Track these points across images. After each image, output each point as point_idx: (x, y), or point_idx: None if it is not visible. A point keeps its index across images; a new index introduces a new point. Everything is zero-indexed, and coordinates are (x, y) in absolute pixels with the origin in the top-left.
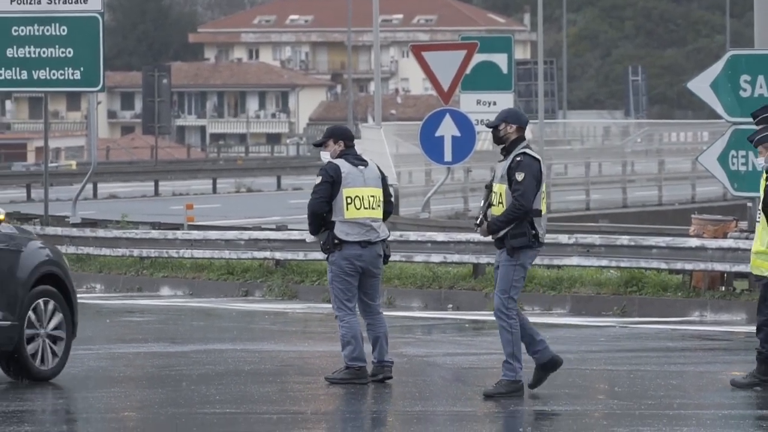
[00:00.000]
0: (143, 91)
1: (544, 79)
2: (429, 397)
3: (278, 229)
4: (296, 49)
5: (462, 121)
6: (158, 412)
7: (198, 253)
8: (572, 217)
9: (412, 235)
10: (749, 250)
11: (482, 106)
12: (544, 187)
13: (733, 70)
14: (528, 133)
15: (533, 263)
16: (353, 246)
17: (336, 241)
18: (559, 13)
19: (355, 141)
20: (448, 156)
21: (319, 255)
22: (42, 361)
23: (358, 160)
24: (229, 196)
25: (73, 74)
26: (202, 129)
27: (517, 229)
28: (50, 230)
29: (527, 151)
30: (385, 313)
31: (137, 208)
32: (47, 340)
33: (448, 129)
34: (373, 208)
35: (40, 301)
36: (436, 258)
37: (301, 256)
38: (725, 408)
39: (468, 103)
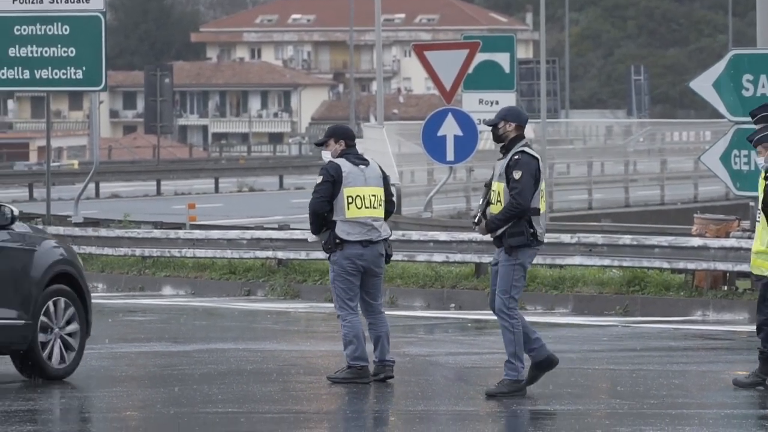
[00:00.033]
0: (145, 90)
1: (547, 79)
2: (431, 396)
3: (280, 228)
4: (298, 49)
5: (464, 120)
6: (160, 412)
7: (200, 253)
8: (575, 217)
9: (415, 235)
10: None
11: (484, 106)
12: (543, 186)
13: (736, 70)
14: (530, 133)
15: (534, 262)
16: (355, 245)
17: (337, 241)
18: (562, 12)
19: (358, 140)
20: (450, 155)
21: (321, 254)
22: (56, 360)
23: (359, 160)
24: (231, 196)
25: (75, 74)
26: (205, 128)
27: (515, 228)
28: (52, 230)
29: (526, 149)
30: (387, 312)
31: (139, 207)
32: (61, 339)
33: (450, 128)
34: (374, 208)
35: (54, 300)
36: (438, 257)
37: (303, 255)
38: (728, 407)
39: (470, 102)
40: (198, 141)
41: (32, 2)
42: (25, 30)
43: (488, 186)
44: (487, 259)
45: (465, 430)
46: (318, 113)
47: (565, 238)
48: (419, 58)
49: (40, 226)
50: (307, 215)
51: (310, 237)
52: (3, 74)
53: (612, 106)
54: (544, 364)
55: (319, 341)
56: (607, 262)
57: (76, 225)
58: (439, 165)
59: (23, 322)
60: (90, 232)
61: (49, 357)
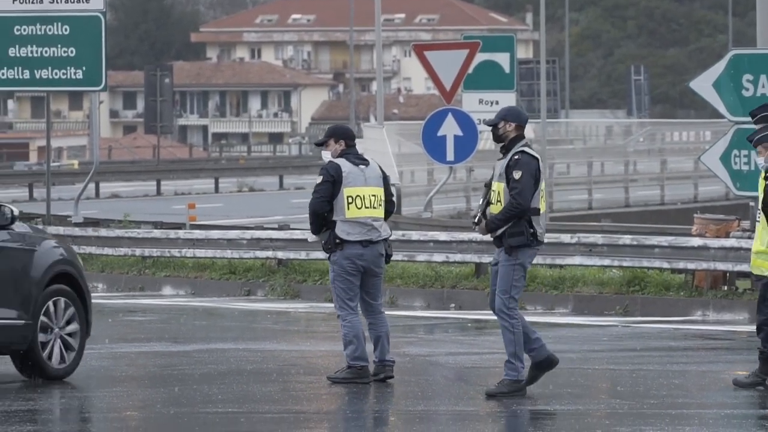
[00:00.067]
0: (145, 90)
1: (547, 79)
2: (431, 396)
3: (280, 228)
4: (298, 49)
5: (464, 120)
6: (160, 412)
7: (200, 253)
8: (575, 217)
9: (415, 235)
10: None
11: (484, 106)
12: (543, 186)
13: (736, 70)
14: (530, 133)
15: (535, 262)
16: (354, 245)
17: (337, 241)
18: (562, 12)
19: (358, 140)
20: (450, 155)
21: (322, 254)
22: (56, 360)
23: (359, 160)
24: (231, 196)
25: (75, 74)
26: (204, 128)
27: (514, 228)
28: (53, 230)
29: (526, 149)
30: (387, 312)
31: (139, 207)
32: (61, 339)
33: (450, 128)
34: (374, 208)
35: (54, 300)
36: (438, 257)
37: (303, 255)
38: (728, 407)
39: (470, 102)
40: (198, 141)
41: (32, 2)
42: (25, 30)
43: (488, 186)
44: (487, 259)
45: (465, 430)
46: (318, 113)
47: (565, 238)
48: (419, 58)
49: (40, 226)
50: (307, 215)
51: (310, 237)
52: (3, 74)
53: (612, 106)
54: (544, 364)
55: (319, 341)
56: (607, 262)
57: (76, 225)
58: (439, 165)
59: (23, 322)
60: (90, 232)
61: (49, 357)
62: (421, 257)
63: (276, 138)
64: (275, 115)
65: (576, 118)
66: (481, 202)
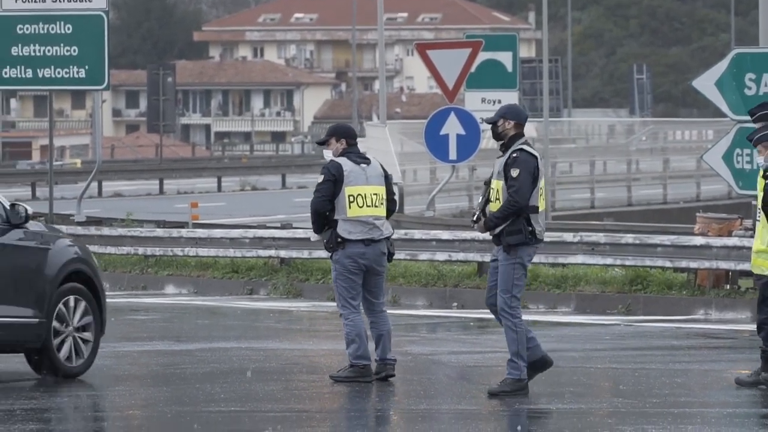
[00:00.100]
0: (148, 89)
1: (549, 78)
2: (434, 395)
3: (283, 227)
4: (301, 48)
5: (467, 119)
6: (163, 411)
7: (203, 252)
8: (577, 216)
9: (417, 234)
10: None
11: (487, 105)
12: (542, 184)
13: (738, 68)
14: (533, 132)
15: (537, 261)
16: (356, 244)
17: (339, 240)
18: (564, 11)
19: (360, 139)
20: (452, 154)
21: (324, 253)
22: (70, 358)
23: (360, 158)
24: (233, 195)
25: (77, 73)
26: (207, 127)
27: (513, 226)
28: None
29: (524, 147)
30: (389, 311)
31: (142, 206)
32: (75, 337)
33: (452, 127)
34: (375, 206)
35: (68, 298)
36: (440, 256)
37: (305, 254)
38: (730, 406)
39: (473, 101)
40: (201, 140)
41: (35, 1)
42: (28, 29)
43: (488, 184)
44: (489, 258)
45: (467, 428)
46: (320, 112)
47: (568, 237)
48: (422, 57)
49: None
50: (309, 214)
51: (314, 236)
52: (6, 73)
53: (614, 105)
54: (538, 364)
55: (321, 340)
56: (609, 260)
57: (79, 224)
58: (442, 164)
59: (37, 320)
60: (93, 230)
61: (63, 355)
62: (424, 256)
63: (279, 137)
64: (278, 114)
65: (578, 117)
66: (480, 200)
